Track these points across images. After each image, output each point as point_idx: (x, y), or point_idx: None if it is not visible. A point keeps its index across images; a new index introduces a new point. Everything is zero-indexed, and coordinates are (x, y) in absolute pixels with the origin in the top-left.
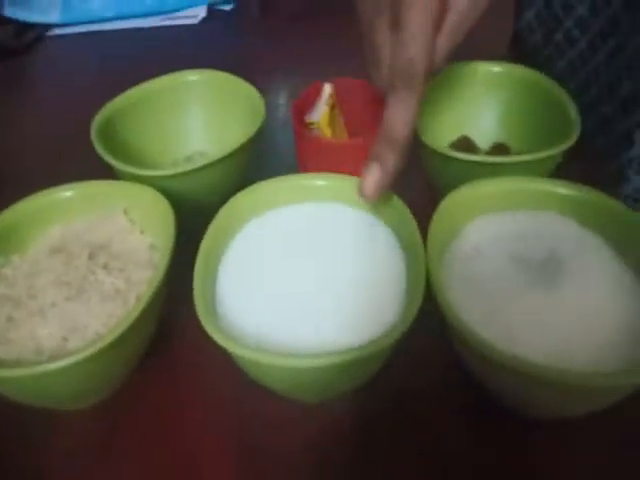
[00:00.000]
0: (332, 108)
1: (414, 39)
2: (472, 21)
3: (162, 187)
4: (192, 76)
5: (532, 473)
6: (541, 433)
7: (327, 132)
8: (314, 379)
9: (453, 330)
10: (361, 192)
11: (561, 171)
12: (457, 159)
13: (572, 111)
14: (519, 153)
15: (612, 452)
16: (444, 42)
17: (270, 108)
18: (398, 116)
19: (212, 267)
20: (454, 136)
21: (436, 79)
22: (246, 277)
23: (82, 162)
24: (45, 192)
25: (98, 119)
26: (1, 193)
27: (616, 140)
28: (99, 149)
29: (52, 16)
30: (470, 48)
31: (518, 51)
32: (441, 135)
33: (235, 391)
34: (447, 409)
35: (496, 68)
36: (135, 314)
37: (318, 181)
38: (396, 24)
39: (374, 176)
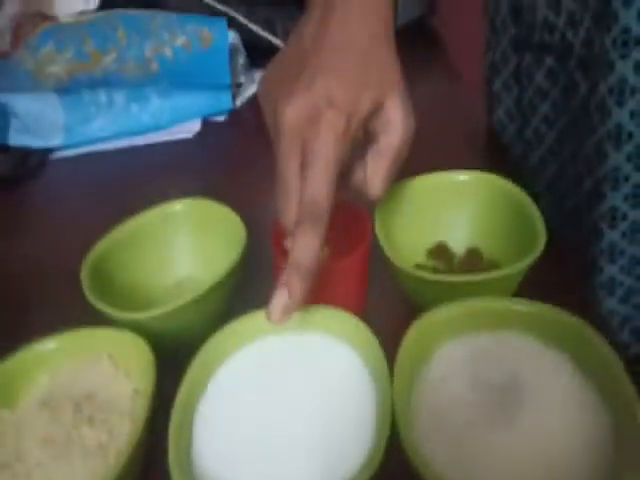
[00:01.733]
0: None
1: (317, 178)
2: (406, 152)
3: (146, 325)
4: (176, 206)
5: None
6: None
7: None
8: None
9: (417, 471)
10: (268, 316)
11: (533, 282)
12: (426, 280)
13: (539, 224)
14: (491, 258)
15: None
16: (383, 176)
17: (257, 232)
18: (304, 248)
19: (188, 419)
20: (431, 241)
21: (416, 187)
22: (220, 426)
23: (75, 294)
24: (31, 346)
25: (88, 261)
26: None
27: (584, 234)
28: (87, 292)
29: (54, 141)
30: (444, 153)
31: (494, 146)
32: (419, 241)
33: None
34: None
35: (465, 177)
36: (114, 473)
37: None
38: (304, 164)
39: (281, 301)
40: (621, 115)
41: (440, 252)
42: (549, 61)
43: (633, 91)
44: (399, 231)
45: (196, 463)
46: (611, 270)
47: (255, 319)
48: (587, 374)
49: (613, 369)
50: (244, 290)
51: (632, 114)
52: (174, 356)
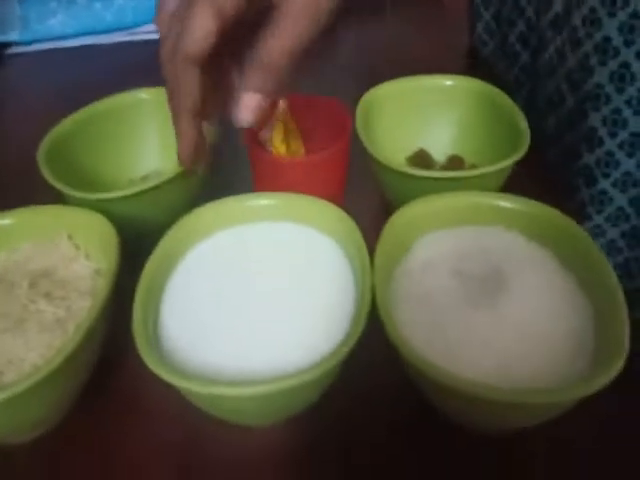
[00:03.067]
0: (287, 124)
1: None
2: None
3: (108, 210)
4: (145, 94)
5: None
6: (492, 448)
7: (281, 149)
8: (252, 407)
9: (396, 348)
10: (236, 117)
11: (512, 183)
12: (410, 175)
13: (521, 122)
14: (473, 164)
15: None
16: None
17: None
18: (278, 45)
19: (155, 293)
20: (410, 149)
21: (397, 90)
22: (189, 302)
23: (32, 185)
24: None
25: (45, 142)
26: None
27: (564, 152)
28: (45, 172)
29: (10, 35)
30: (428, 63)
31: (474, 64)
32: (398, 148)
33: (176, 418)
34: (395, 427)
35: (449, 81)
36: (72, 345)
37: (266, 200)
38: None
39: (252, 98)
40: (610, 27)
41: (420, 159)
42: None
43: (626, 3)
44: (378, 137)
45: (163, 340)
46: (586, 193)
47: (229, 206)
48: (570, 268)
49: (596, 261)
50: (215, 181)
51: (621, 27)
52: (137, 246)
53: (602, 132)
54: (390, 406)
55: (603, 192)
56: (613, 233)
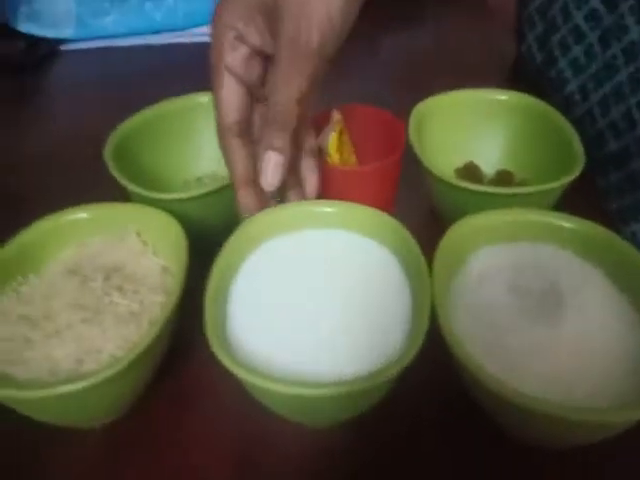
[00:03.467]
0: (340, 134)
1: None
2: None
3: (173, 209)
4: (203, 98)
5: None
6: (545, 461)
7: (335, 158)
8: (313, 407)
9: (457, 361)
10: (262, 181)
11: (565, 203)
12: (462, 188)
13: (576, 144)
14: (523, 181)
15: None
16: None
17: None
18: (287, 96)
19: (221, 294)
20: (460, 161)
21: (449, 103)
22: (254, 303)
23: (93, 179)
24: (62, 213)
25: (112, 140)
26: (17, 210)
27: (629, 177)
28: (114, 172)
29: (65, 31)
30: (473, 70)
31: (521, 74)
32: (448, 160)
33: (239, 411)
34: (450, 438)
35: (502, 96)
36: (149, 339)
37: (325, 208)
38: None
39: (273, 160)
40: None
41: (469, 171)
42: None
43: None
44: (428, 147)
45: (230, 337)
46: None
47: (287, 212)
48: (624, 290)
49: None
50: None
51: None
52: (199, 247)
53: None
54: (439, 411)
55: None
56: None
